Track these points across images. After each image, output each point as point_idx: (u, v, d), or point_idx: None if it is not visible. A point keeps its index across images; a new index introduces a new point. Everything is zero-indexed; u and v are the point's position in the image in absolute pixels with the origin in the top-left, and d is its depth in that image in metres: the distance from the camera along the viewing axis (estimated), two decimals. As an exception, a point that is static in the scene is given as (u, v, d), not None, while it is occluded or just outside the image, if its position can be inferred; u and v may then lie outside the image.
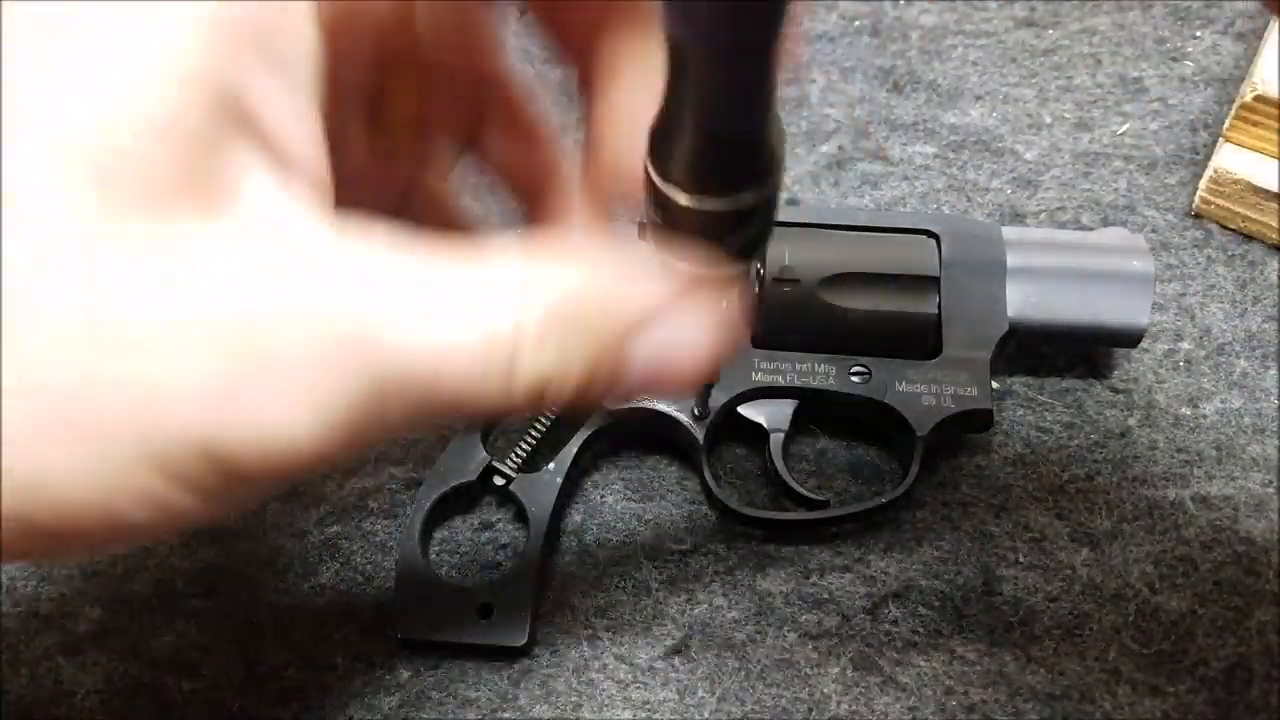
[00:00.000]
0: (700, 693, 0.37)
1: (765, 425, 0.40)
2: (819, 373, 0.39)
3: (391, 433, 0.24)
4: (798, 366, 0.40)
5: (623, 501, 0.41)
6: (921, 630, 0.38)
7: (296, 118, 0.23)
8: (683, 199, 0.23)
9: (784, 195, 0.49)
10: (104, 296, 0.20)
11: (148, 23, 0.20)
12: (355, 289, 0.21)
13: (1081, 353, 0.44)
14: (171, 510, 0.21)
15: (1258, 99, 0.45)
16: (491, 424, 0.39)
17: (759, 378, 0.39)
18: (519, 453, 0.39)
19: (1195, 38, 0.55)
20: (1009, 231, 0.42)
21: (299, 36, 0.23)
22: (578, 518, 0.41)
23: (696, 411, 0.39)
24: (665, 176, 0.24)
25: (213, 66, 0.21)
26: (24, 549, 0.21)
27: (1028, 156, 0.51)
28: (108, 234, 0.20)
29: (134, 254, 0.20)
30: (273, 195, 0.22)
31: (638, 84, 0.25)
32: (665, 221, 0.25)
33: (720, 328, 0.25)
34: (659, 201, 0.25)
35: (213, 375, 0.20)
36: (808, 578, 0.39)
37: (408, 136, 0.29)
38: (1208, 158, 0.49)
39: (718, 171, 0.24)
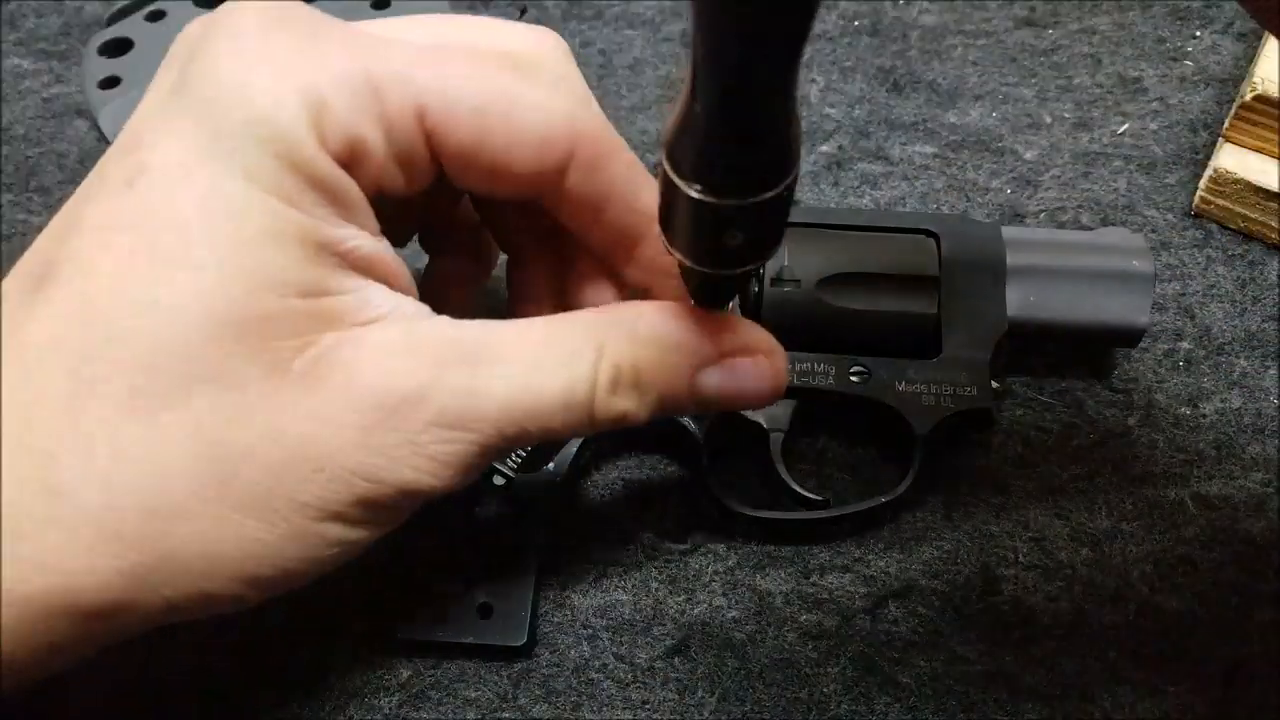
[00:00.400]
0: (700, 693, 0.37)
1: (765, 425, 0.40)
2: (819, 372, 0.39)
3: (493, 461, 0.31)
4: (797, 366, 0.39)
5: (623, 501, 0.41)
6: (921, 630, 0.38)
7: (380, 244, 0.30)
8: (694, 193, 0.24)
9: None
10: (273, 422, 0.27)
11: (263, 218, 0.27)
12: (463, 367, 0.28)
13: (1081, 353, 0.44)
14: (340, 543, 0.28)
15: (1258, 99, 0.45)
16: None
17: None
18: (519, 453, 0.39)
19: (1195, 38, 0.55)
20: (1009, 231, 0.42)
21: (354, 195, 0.29)
22: (578, 518, 0.41)
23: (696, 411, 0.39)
24: (679, 172, 0.24)
25: (319, 231, 0.28)
26: (240, 600, 0.28)
27: (1028, 156, 0.51)
28: (267, 378, 0.27)
29: (292, 390, 0.27)
30: (390, 301, 0.29)
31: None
32: (679, 219, 0.26)
33: (778, 359, 0.31)
34: (671, 197, 0.25)
35: (364, 453, 0.27)
36: (808, 578, 0.39)
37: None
38: (1208, 158, 0.49)
39: (727, 168, 0.24)
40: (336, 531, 0.28)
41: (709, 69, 0.22)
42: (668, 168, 0.24)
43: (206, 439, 0.26)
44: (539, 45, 0.33)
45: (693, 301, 0.31)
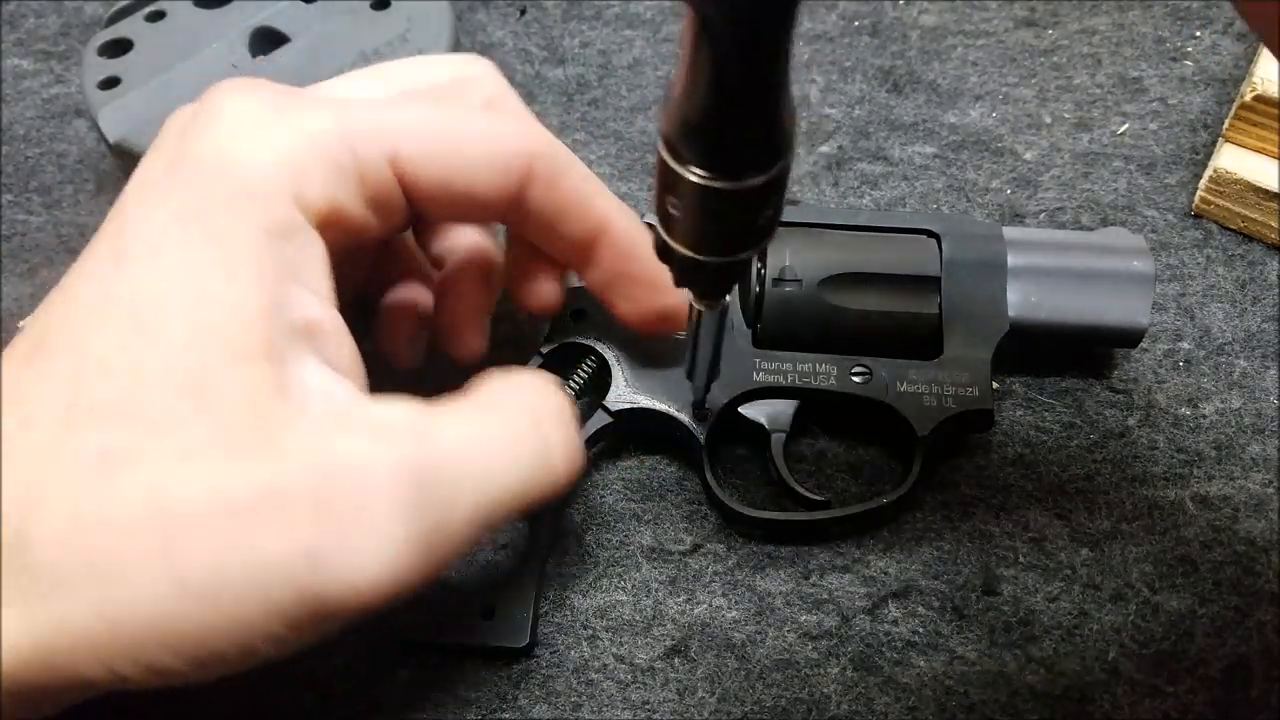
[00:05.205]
0: (700, 693, 0.37)
1: (766, 425, 0.40)
2: (820, 373, 0.39)
3: (463, 549, 0.28)
4: (799, 366, 0.39)
5: (623, 501, 0.41)
6: (921, 630, 0.38)
7: (330, 318, 0.30)
8: (694, 177, 0.25)
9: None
10: (220, 488, 0.26)
11: (222, 285, 0.28)
12: (406, 439, 0.28)
13: (1081, 353, 0.44)
14: (274, 639, 0.27)
15: (1258, 99, 0.45)
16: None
17: (760, 378, 0.39)
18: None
19: (1195, 38, 0.55)
20: (1009, 231, 0.42)
21: (318, 260, 0.30)
22: (578, 518, 0.41)
23: (697, 411, 0.39)
24: (677, 158, 0.24)
25: (273, 296, 0.28)
26: (167, 678, 0.28)
27: (1028, 156, 0.51)
28: (217, 443, 0.27)
29: (240, 455, 0.27)
30: (330, 382, 0.29)
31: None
32: (678, 208, 0.26)
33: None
34: (670, 186, 0.25)
35: (305, 532, 0.26)
36: (808, 578, 0.39)
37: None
38: (1208, 158, 0.49)
39: (730, 149, 0.24)
40: (274, 628, 0.26)
41: (726, 65, 0.22)
42: (696, 176, 0.25)
43: (157, 505, 0.26)
44: (469, 69, 0.36)
45: (702, 300, 0.32)
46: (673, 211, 0.27)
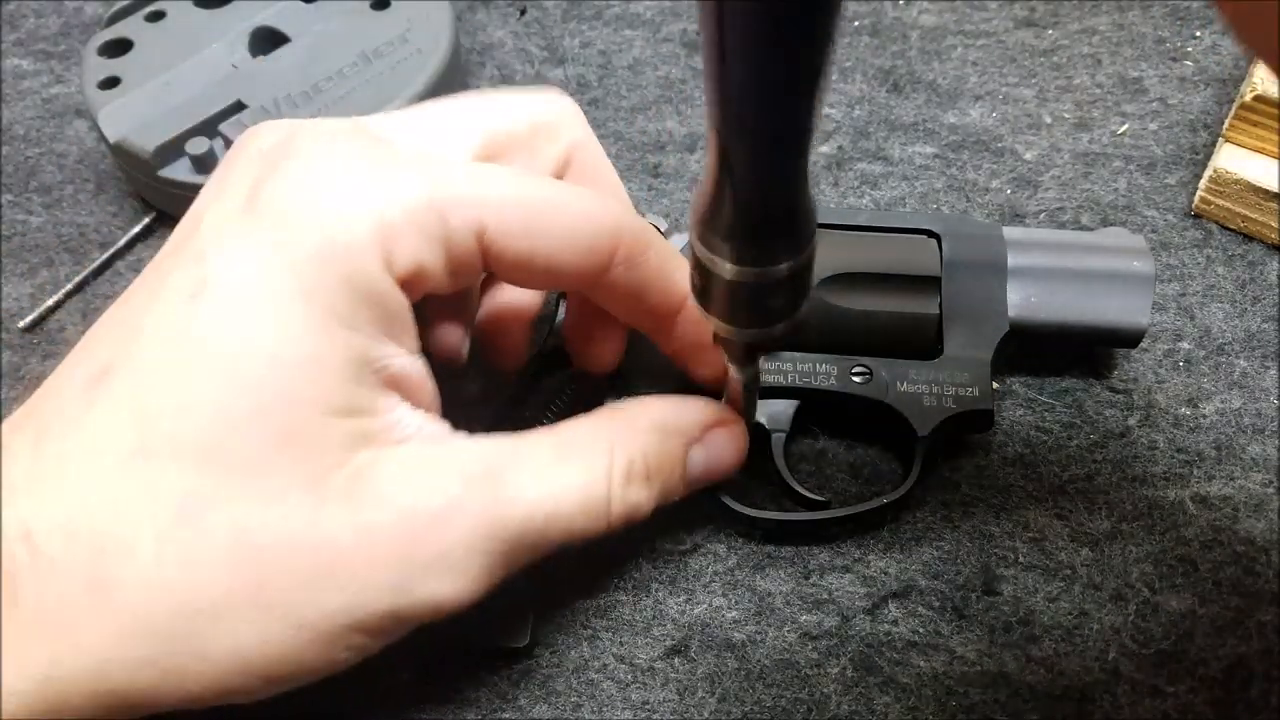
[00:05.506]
0: (700, 693, 0.37)
1: (766, 425, 0.40)
2: (820, 373, 0.39)
3: (515, 571, 0.32)
4: (799, 366, 0.40)
5: (623, 501, 0.41)
6: (921, 630, 0.38)
7: (415, 368, 0.31)
8: (726, 270, 0.27)
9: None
10: (308, 531, 0.28)
11: (313, 341, 0.28)
12: (486, 482, 0.30)
13: (1081, 353, 0.44)
14: (358, 649, 0.29)
15: (1258, 99, 0.45)
16: (493, 424, 0.39)
17: (760, 378, 0.39)
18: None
19: (1195, 38, 0.55)
20: (1009, 231, 0.42)
21: (404, 316, 0.31)
22: (578, 518, 0.41)
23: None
24: (710, 249, 0.27)
25: (363, 352, 0.29)
26: (259, 693, 0.29)
27: (1028, 156, 0.51)
28: (306, 489, 0.28)
29: (329, 501, 0.28)
30: (415, 422, 0.31)
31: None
32: (710, 291, 0.28)
33: (739, 426, 0.36)
34: (703, 274, 0.28)
35: (398, 567, 0.29)
36: (808, 578, 0.39)
37: None
38: (1208, 158, 0.49)
39: (755, 244, 0.26)
40: (359, 640, 0.29)
41: (748, 166, 0.24)
42: (729, 270, 0.27)
43: (245, 544, 0.27)
44: (551, 112, 0.36)
45: (734, 366, 0.33)
46: (711, 296, 0.28)
